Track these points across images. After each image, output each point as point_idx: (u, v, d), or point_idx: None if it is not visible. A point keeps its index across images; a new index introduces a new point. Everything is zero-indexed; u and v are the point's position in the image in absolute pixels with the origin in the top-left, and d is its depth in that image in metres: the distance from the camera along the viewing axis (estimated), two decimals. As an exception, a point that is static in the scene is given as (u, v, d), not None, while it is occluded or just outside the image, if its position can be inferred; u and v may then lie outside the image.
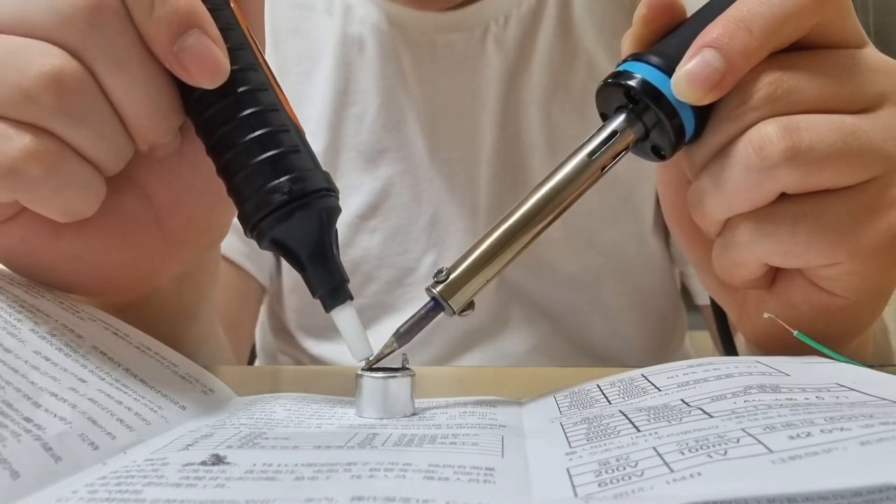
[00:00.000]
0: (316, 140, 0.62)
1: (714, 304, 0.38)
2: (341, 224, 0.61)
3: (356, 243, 0.62)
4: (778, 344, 0.31)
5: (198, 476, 0.19)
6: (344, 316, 0.29)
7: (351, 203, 0.62)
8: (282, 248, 0.29)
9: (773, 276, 0.32)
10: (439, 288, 0.28)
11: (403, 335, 0.29)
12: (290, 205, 0.28)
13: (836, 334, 0.32)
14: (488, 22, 0.60)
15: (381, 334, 0.65)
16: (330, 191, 0.29)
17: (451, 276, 0.29)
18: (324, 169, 0.30)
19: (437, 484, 0.18)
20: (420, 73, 0.61)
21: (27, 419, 0.21)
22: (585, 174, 0.30)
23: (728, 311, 0.37)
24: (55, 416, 0.22)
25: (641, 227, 0.63)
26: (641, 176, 0.62)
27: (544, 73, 0.60)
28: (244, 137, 0.28)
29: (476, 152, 0.61)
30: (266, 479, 0.19)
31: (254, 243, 0.64)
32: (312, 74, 0.63)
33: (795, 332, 0.30)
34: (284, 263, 0.65)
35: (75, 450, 0.21)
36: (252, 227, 0.29)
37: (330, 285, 0.29)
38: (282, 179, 0.28)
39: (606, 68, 0.60)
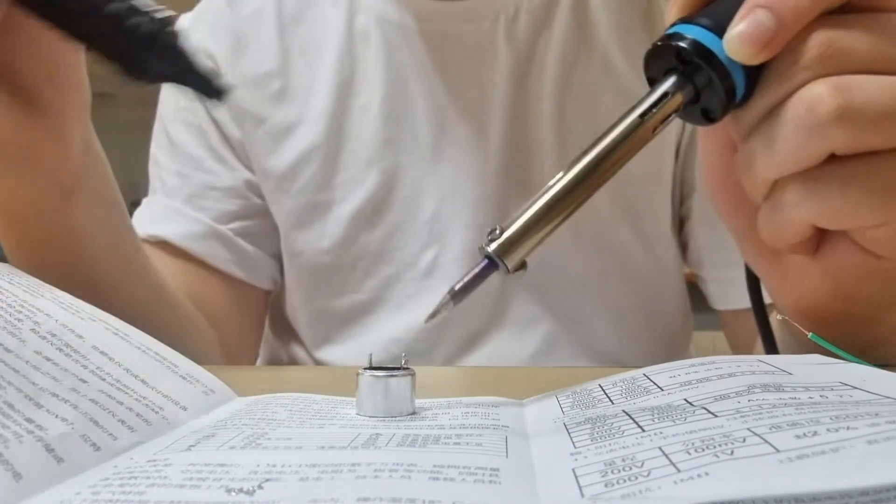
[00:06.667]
0: (319, 132, 0.61)
1: (750, 279, 0.37)
2: (343, 220, 0.61)
3: (357, 239, 0.61)
4: (818, 316, 0.32)
5: (201, 477, 0.19)
6: None
7: (353, 198, 0.61)
8: (162, 79, 0.35)
9: (818, 241, 0.32)
10: (493, 246, 0.28)
11: (459, 293, 0.28)
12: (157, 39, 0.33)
13: (882, 300, 0.32)
14: (498, 13, 0.60)
15: (378, 330, 0.65)
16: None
17: (506, 235, 0.28)
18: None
19: (443, 484, 0.18)
20: (427, 64, 0.60)
21: (29, 420, 0.21)
22: (636, 135, 0.30)
23: (767, 283, 0.37)
24: (57, 416, 0.22)
25: (651, 229, 0.62)
26: (653, 178, 0.61)
27: (557, 67, 0.60)
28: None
29: (484, 146, 0.60)
30: (270, 479, 0.18)
31: (237, 247, 0.67)
32: (316, 65, 0.62)
33: (810, 335, 0.30)
34: (286, 268, 0.65)
35: (77, 451, 0.21)
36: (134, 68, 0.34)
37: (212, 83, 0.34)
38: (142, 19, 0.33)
39: (620, 63, 0.60)
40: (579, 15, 0.60)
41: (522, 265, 0.29)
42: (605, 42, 0.60)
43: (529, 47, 0.60)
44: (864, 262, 0.31)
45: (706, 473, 0.16)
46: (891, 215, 0.29)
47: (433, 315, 0.28)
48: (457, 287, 0.28)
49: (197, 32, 0.64)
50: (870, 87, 0.27)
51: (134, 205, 0.68)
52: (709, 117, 0.31)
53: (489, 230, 0.28)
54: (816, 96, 0.27)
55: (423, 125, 0.60)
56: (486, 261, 0.28)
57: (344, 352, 0.63)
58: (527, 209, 0.29)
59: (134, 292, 0.49)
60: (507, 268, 0.28)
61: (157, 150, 0.66)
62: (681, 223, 0.65)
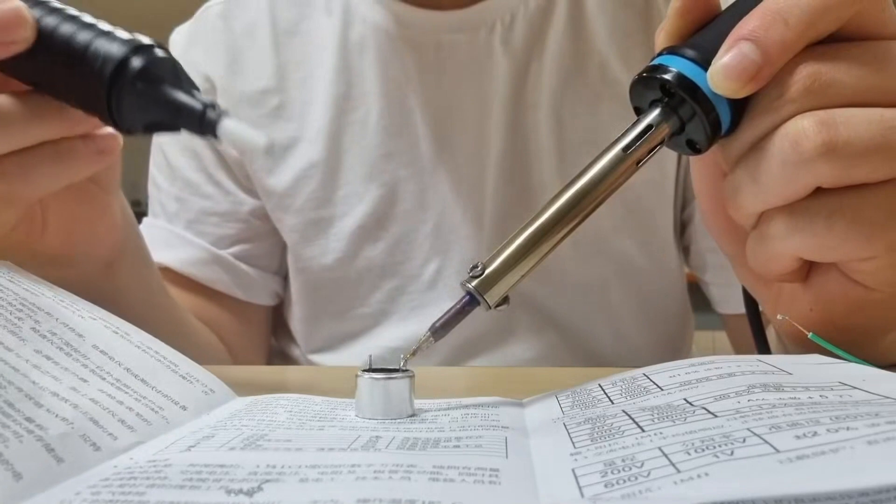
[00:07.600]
0: (318, 148, 0.61)
1: (747, 298, 0.37)
2: (345, 235, 0.61)
3: (360, 254, 0.61)
4: (810, 340, 0.31)
5: (201, 478, 0.19)
6: (228, 126, 0.29)
7: (355, 213, 0.60)
8: (151, 129, 0.32)
9: (808, 269, 0.32)
10: (475, 283, 0.28)
11: (439, 330, 0.29)
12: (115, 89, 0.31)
13: (873, 328, 0.32)
14: (494, 21, 0.59)
15: (383, 340, 0.65)
16: (136, 50, 0.31)
17: (487, 271, 0.28)
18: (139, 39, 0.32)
19: (443, 485, 0.18)
20: (424, 74, 0.59)
21: (29, 419, 0.21)
22: (620, 168, 0.30)
23: (762, 304, 0.37)
24: (57, 416, 0.22)
25: (652, 235, 0.62)
26: (654, 185, 0.61)
27: (554, 75, 0.59)
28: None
29: (482, 156, 0.59)
30: (270, 480, 0.18)
31: (238, 270, 0.69)
32: (313, 79, 0.61)
33: (810, 334, 0.30)
34: (292, 281, 0.65)
35: (77, 450, 0.21)
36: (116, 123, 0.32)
37: (197, 114, 0.30)
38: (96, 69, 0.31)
39: (618, 69, 0.59)
40: (576, 22, 0.60)
41: (505, 300, 0.29)
42: (603, 48, 0.59)
43: (526, 56, 0.59)
44: (854, 292, 0.31)
45: (706, 474, 0.16)
46: (878, 249, 0.28)
47: (414, 352, 0.28)
48: (438, 324, 0.28)
49: (192, 53, 0.64)
50: (855, 121, 0.27)
51: (134, 204, 0.69)
52: (694, 147, 0.31)
53: (471, 266, 0.29)
54: (801, 131, 0.27)
55: (422, 137, 0.60)
56: (467, 297, 0.29)
57: (344, 360, 0.63)
58: (508, 244, 0.29)
59: (158, 327, 0.50)
60: (487, 304, 0.28)
61: (156, 171, 0.66)
62: (683, 227, 0.65)
